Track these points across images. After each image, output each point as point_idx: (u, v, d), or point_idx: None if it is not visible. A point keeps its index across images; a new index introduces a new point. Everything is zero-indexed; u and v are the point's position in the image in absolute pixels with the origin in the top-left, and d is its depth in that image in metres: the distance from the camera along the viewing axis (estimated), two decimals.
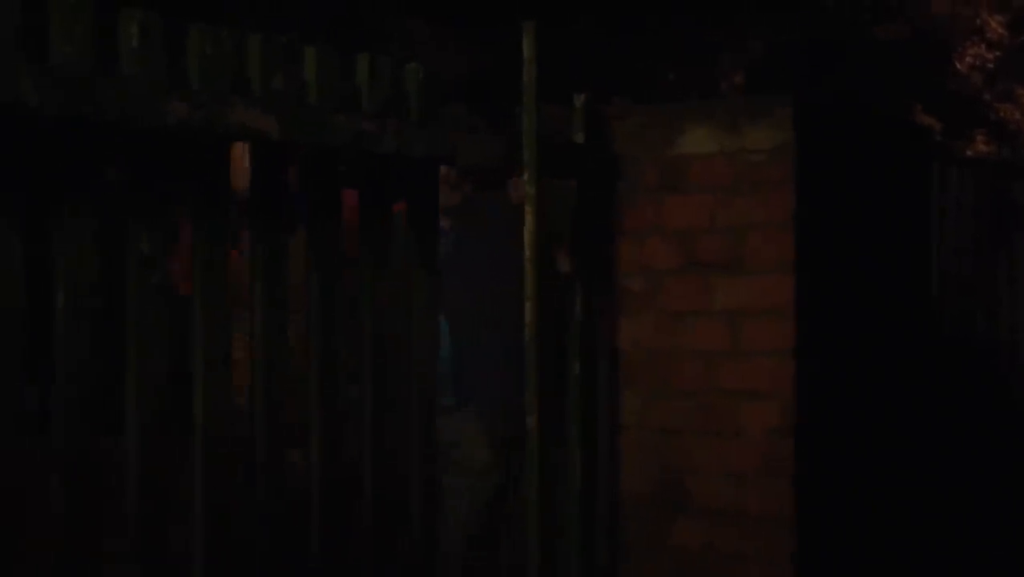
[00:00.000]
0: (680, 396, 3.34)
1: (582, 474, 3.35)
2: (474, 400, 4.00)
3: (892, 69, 12.44)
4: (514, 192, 3.91)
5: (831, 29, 12.44)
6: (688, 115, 3.36)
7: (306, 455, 2.76)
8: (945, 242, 4.77)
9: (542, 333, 3.08)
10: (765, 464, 3.23)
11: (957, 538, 4.50)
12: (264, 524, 2.64)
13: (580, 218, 3.39)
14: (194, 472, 2.52)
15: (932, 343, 4.13)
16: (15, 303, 2.20)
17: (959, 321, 4.86)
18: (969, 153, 12.70)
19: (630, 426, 3.42)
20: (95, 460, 2.33)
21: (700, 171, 3.32)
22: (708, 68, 12.04)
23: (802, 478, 3.22)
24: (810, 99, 3.36)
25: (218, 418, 2.54)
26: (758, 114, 3.26)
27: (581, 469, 3.35)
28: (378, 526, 2.87)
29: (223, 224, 2.56)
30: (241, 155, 2.75)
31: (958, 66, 13.44)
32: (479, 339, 4.00)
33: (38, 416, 2.29)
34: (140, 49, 2.36)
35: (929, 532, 3.93)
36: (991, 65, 13.57)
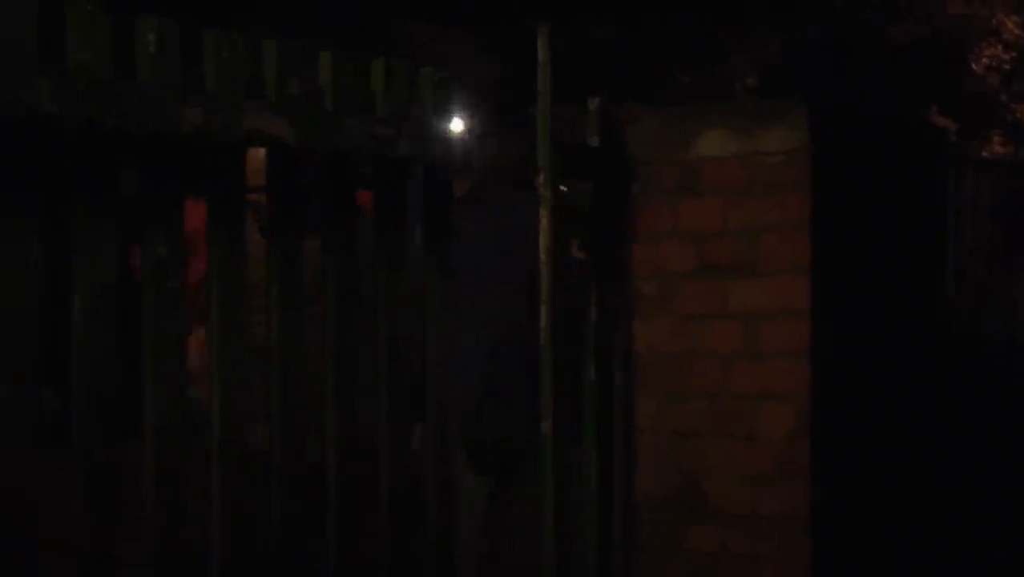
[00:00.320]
0: (695, 398, 3.35)
1: (598, 477, 3.36)
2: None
3: (907, 70, 12.42)
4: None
5: (846, 30, 12.42)
6: (703, 118, 3.36)
7: (322, 455, 2.77)
8: (961, 243, 4.76)
9: (557, 336, 3.08)
10: (780, 466, 3.23)
11: (974, 540, 4.49)
12: (280, 525, 2.65)
13: (595, 221, 3.39)
14: (211, 473, 2.53)
15: (947, 343, 4.12)
16: (33, 308, 2.21)
17: (974, 321, 4.85)
18: (985, 154, 12.67)
19: (645, 429, 3.42)
20: (112, 462, 2.35)
21: (715, 173, 3.32)
22: (722, 70, 12.03)
23: (818, 480, 3.22)
24: (825, 101, 3.36)
25: (234, 419, 2.55)
26: (773, 116, 3.26)
27: (597, 472, 3.36)
28: (393, 527, 2.88)
29: (239, 228, 2.58)
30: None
31: (974, 67, 13.42)
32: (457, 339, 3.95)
33: (56, 419, 2.30)
34: (157, 55, 2.37)
35: (946, 534, 3.92)
36: (1007, 66, 13.54)
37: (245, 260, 2.58)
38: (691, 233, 3.35)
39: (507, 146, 3.09)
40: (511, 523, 3.82)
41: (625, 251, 3.43)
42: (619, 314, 3.42)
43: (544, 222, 3.08)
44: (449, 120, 2.99)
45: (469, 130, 3.03)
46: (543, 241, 3.08)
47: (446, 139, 2.90)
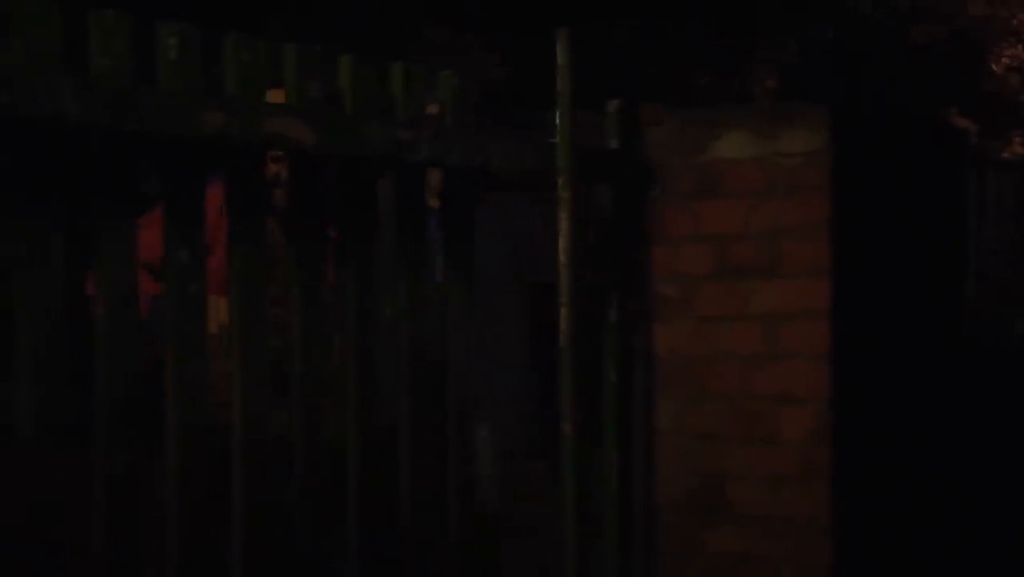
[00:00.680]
0: (716, 401, 3.34)
1: (618, 479, 3.36)
2: None
3: (927, 70, 12.39)
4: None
5: (865, 31, 12.39)
6: (722, 120, 3.36)
7: (343, 459, 2.78)
8: (982, 244, 4.75)
9: (577, 338, 3.09)
10: (801, 469, 3.22)
11: (997, 543, 4.47)
12: (301, 529, 2.66)
13: (614, 224, 3.40)
14: (233, 477, 2.54)
15: (968, 344, 4.11)
16: (58, 313, 2.22)
17: (996, 322, 4.83)
18: (1006, 155, 12.62)
19: (666, 431, 3.42)
20: (136, 466, 2.36)
21: (734, 176, 3.32)
22: (741, 73, 12.02)
23: (839, 482, 3.21)
24: (844, 102, 3.36)
25: (257, 422, 2.56)
26: (793, 118, 3.26)
27: (617, 474, 3.36)
28: (415, 528, 2.89)
29: (260, 232, 2.59)
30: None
31: (994, 67, 13.37)
32: None
33: (78, 423, 2.31)
34: (178, 61, 2.39)
35: (968, 536, 3.91)
36: None
37: (266, 263, 2.59)
38: (711, 236, 3.35)
39: (528, 149, 3.09)
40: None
41: (645, 254, 3.43)
42: (639, 316, 3.42)
43: (564, 225, 3.09)
44: (468, 124, 3.00)
45: (488, 134, 3.04)
46: (563, 244, 3.09)
47: (466, 143, 2.91)
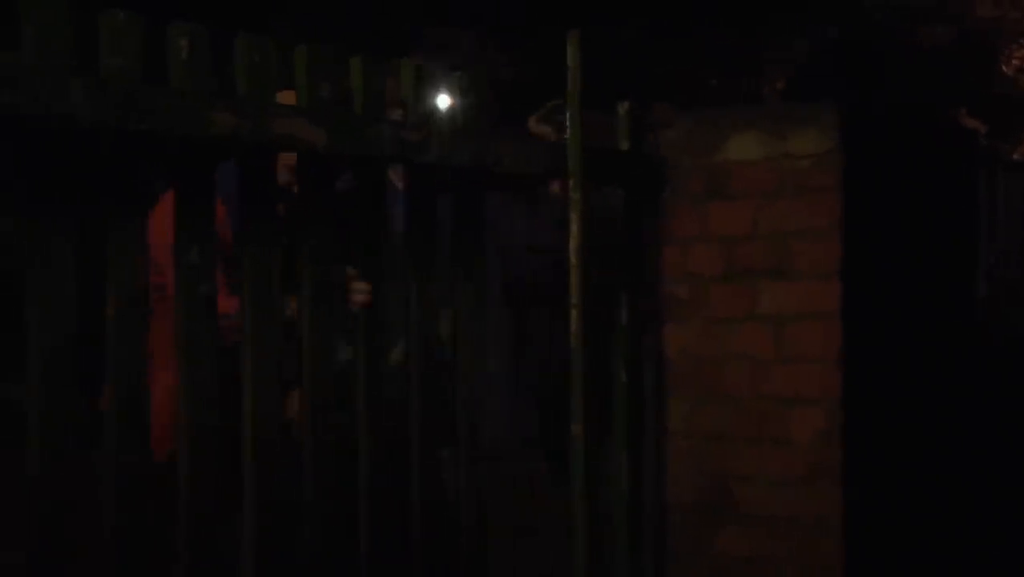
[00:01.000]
0: (726, 402, 3.34)
1: (628, 479, 3.35)
2: None
3: (937, 71, 12.36)
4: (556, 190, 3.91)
5: (875, 32, 12.38)
6: (733, 121, 3.35)
7: (354, 458, 2.78)
8: (992, 244, 4.74)
9: (588, 340, 3.08)
10: (812, 470, 3.22)
11: (1010, 545, 4.46)
12: (312, 531, 2.65)
13: (625, 225, 3.39)
14: (245, 477, 2.54)
15: (979, 345, 4.10)
16: (68, 314, 2.22)
17: (1007, 323, 4.82)
18: (1016, 156, 12.59)
19: (677, 432, 3.41)
20: (146, 466, 2.36)
21: (745, 177, 3.32)
22: (751, 73, 12.01)
23: (849, 484, 3.20)
24: (855, 103, 3.35)
25: (267, 422, 2.56)
26: (803, 119, 3.25)
27: (628, 474, 3.35)
28: (425, 527, 2.89)
29: (270, 232, 2.58)
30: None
31: (1004, 69, 13.34)
32: None
33: (89, 425, 2.31)
34: (189, 61, 2.38)
35: (979, 537, 3.89)
36: None
37: (278, 264, 2.59)
38: (721, 236, 3.35)
39: (537, 150, 3.09)
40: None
41: (655, 254, 3.42)
42: (649, 317, 3.42)
43: (575, 226, 3.08)
44: (477, 124, 2.99)
45: (498, 134, 3.03)
46: (573, 245, 3.08)
47: (476, 144, 2.91)
